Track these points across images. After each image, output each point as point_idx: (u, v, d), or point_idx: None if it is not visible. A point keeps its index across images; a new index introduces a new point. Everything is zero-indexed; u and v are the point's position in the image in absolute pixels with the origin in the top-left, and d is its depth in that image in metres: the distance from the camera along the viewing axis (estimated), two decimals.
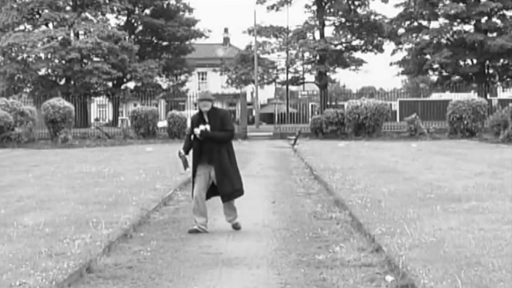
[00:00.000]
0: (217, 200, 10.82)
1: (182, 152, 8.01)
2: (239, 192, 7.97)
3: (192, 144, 7.99)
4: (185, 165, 8.05)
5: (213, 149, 7.78)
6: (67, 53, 43.88)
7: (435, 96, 54.92)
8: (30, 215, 8.59)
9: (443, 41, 48.09)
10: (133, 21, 54.03)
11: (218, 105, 60.21)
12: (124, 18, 53.58)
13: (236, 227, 8.02)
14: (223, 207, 8.06)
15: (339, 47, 54.05)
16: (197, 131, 7.77)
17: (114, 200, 9.98)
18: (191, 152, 8.10)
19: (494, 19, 47.27)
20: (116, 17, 53.25)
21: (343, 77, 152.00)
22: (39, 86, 46.77)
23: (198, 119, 7.91)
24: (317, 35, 53.59)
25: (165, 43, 55.35)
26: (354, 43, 54.59)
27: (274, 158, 20.35)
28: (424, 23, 49.59)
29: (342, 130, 31.13)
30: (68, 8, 47.20)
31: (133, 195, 10.48)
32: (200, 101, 7.90)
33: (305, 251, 6.80)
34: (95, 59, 45.77)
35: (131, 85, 52.52)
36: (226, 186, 7.82)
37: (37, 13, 47.01)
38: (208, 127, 7.80)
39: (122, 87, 51.82)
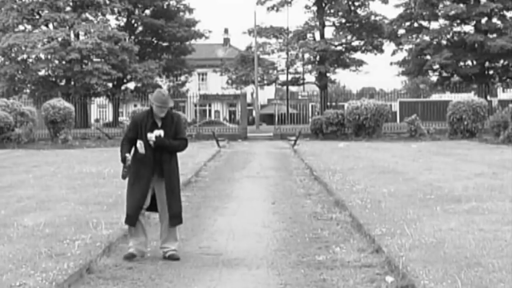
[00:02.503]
0: (217, 199, 10.85)
1: (128, 155, 6.55)
2: (181, 216, 6.76)
3: (131, 150, 6.62)
4: (127, 172, 6.60)
5: (164, 160, 6.54)
6: (67, 54, 43.89)
7: (435, 97, 54.99)
8: (30, 216, 8.59)
9: (443, 41, 48.10)
10: (133, 21, 54.06)
11: (218, 105, 60.27)
12: (124, 19, 53.61)
13: (172, 257, 6.53)
14: (162, 231, 6.71)
15: (339, 47, 54.08)
16: (151, 136, 6.45)
17: (114, 200, 9.98)
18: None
19: (494, 20, 47.27)
20: (116, 18, 53.28)
21: (343, 77, 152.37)
22: (39, 87, 46.78)
23: (148, 121, 6.57)
24: (317, 35, 53.64)
25: (165, 44, 55.38)
26: (354, 43, 54.63)
27: (274, 159, 20.35)
28: (424, 23, 49.60)
29: (342, 130, 31.13)
30: (68, 8, 47.21)
31: None
32: (157, 107, 6.48)
33: (305, 252, 6.80)
34: (95, 59, 45.79)
35: (131, 85, 52.54)
36: (176, 207, 6.63)
37: (37, 13, 47.03)
38: (162, 132, 6.54)
39: (122, 87, 51.84)
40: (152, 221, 8.75)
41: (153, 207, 6.68)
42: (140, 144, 6.51)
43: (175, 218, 6.62)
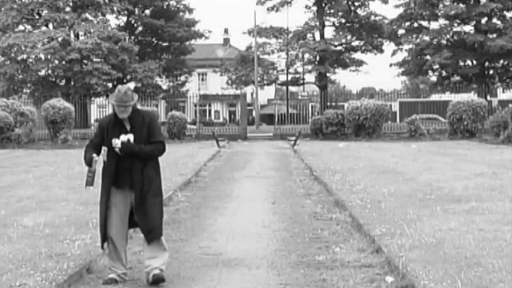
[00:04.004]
0: (217, 199, 10.85)
1: (95, 156, 5.60)
2: (160, 229, 5.70)
3: (106, 161, 5.66)
4: (92, 179, 5.63)
5: (136, 169, 5.55)
6: (67, 54, 43.87)
7: (435, 97, 54.97)
8: (30, 216, 8.58)
9: (443, 42, 48.08)
10: (133, 21, 54.04)
11: (218, 106, 60.17)
12: (124, 19, 53.58)
13: (156, 281, 5.58)
14: (144, 247, 5.79)
15: (339, 48, 54.06)
16: (116, 143, 5.50)
17: None
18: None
19: (494, 20, 47.25)
20: (116, 18, 53.27)
21: (343, 77, 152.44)
22: (39, 87, 46.77)
23: (115, 125, 5.63)
24: (317, 35, 53.62)
25: (165, 44, 55.35)
26: (354, 43, 54.62)
27: (274, 159, 20.36)
28: (424, 23, 49.58)
29: (342, 130, 31.15)
30: (68, 9, 47.18)
31: None
32: (116, 107, 5.57)
33: (305, 252, 6.80)
34: (95, 59, 45.77)
35: (131, 85, 52.51)
36: (149, 221, 5.61)
37: (37, 13, 47.01)
38: (131, 137, 5.57)
39: None
40: None
41: (132, 223, 5.79)
42: (104, 151, 5.61)
43: (150, 233, 5.63)
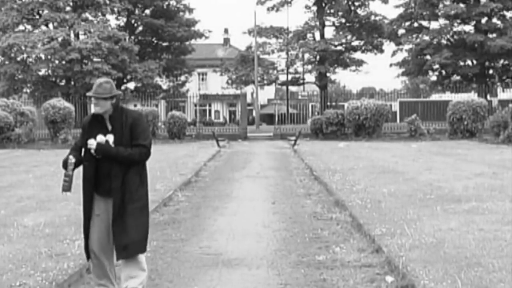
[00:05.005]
0: (217, 199, 10.84)
1: (72, 158, 5.02)
2: (138, 246, 4.94)
3: (83, 164, 5.07)
4: (69, 184, 5.08)
5: (115, 175, 4.89)
6: (67, 54, 43.87)
7: (435, 97, 54.99)
8: (30, 216, 8.59)
9: (443, 41, 48.10)
10: (133, 21, 54.06)
11: (218, 106, 60.19)
12: (124, 19, 53.59)
13: None
14: (122, 263, 5.06)
15: (339, 47, 54.09)
16: (92, 143, 4.90)
17: None
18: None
19: (494, 20, 47.27)
20: (116, 18, 53.28)
21: (343, 77, 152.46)
22: (39, 87, 46.78)
23: (94, 125, 5.04)
24: (317, 35, 53.65)
25: (165, 44, 55.37)
26: (354, 43, 54.65)
27: (274, 159, 20.36)
28: (424, 23, 49.61)
29: (342, 130, 31.15)
30: (68, 8, 47.19)
31: None
32: (92, 99, 5.01)
33: (305, 252, 6.80)
34: (95, 59, 45.77)
35: (131, 85, 52.55)
36: (126, 235, 4.87)
37: (37, 13, 47.02)
38: (111, 138, 4.96)
39: (122, 87, 51.79)
40: (152, 221, 8.76)
41: None
42: (83, 153, 5.07)
43: (124, 250, 4.88)
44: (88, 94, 5.03)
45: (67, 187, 5.07)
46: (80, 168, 5.07)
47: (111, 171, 4.91)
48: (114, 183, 4.89)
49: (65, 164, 5.04)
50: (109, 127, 5.01)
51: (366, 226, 7.57)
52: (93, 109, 4.90)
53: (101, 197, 4.99)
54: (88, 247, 5.02)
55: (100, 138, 4.94)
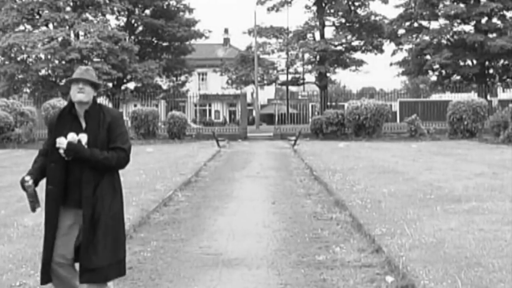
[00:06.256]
0: (217, 199, 10.84)
1: (28, 179, 4.27)
2: (108, 271, 4.24)
3: (48, 167, 4.32)
4: (35, 202, 4.35)
5: (86, 182, 4.20)
6: (67, 54, 43.88)
7: (435, 97, 54.99)
8: (30, 216, 8.55)
9: (443, 41, 48.10)
10: (133, 21, 54.04)
11: (218, 106, 60.30)
12: (124, 19, 53.58)
13: None
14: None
15: (339, 47, 54.09)
16: (61, 142, 4.20)
17: None
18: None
19: (494, 20, 47.26)
20: (116, 18, 53.26)
21: (343, 77, 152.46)
22: (39, 87, 46.78)
23: (65, 121, 4.34)
24: (317, 35, 53.66)
25: (165, 44, 55.37)
26: (354, 43, 54.65)
27: (274, 159, 20.36)
28: (424, 23, 49.61)
29: (342, 130, 31.16)
30: (68, 8, 47.19)
31: (133, 196, 10.48)
32: (74, 85, 4.29)
33: (305, 252, 6.80)
34: (95, 59, 45.76)
35: (131, 85, 52.55)
36: (95, 257, 4.17)
37: (37, 13, 47.01)
38: (84, 138, 4.27)
39: (122, 87, 51.84)
40: (152, 221, 8.76)
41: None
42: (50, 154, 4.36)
43: (90, 273, 4.17)
44: (73, 77, 4.28)
45: (33, 207, 4.37)
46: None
47: (82, 176, 4.20)
48: (85, 191, 4.19)
49: (23, 186, 4.31)
50: (83, 125, 4.31)
51: (366, 226, 7.57)
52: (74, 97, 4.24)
53: (68, 208, 4.26)
54: (45, 269, 4.24)
55: (72, 136, 4.26)
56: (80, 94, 4.26)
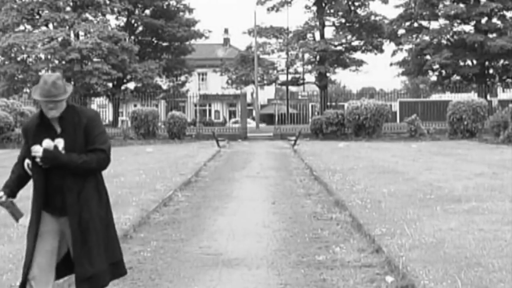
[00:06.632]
0: (217, 199, 10.84)
1: (1, 195, 4.13)
2: (105, 275, 4.13)
3: (27, 175, 4.19)
4: (14, 213, 4.21)
5: (68, 188, 4.03)
6: (67, 54, 43.91)
7: (435, 97, 55.00)
8: (30, 216, 8.57)
9: (443, 41, 48.11)
10: (133, 21, 54.09)
11: (218, 105, 60.28)
12: (124, 19, 53.63)
13: None
14: None
15: (339, 47, 54.10)
16: (36, 150, 4.01)
17: (114, 200, 9.94)
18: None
19: (494, 20, 47.28)
20: (116, 18, 53.32)
21: (343, 77, 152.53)
22: None
23: (40, 127, 4.12)
24: (317, 35, 53.67)
25: (165, 44, 55.41)
26: (354, 43, 54.67)
27: (274, 159, 20.35)
28: (424, 23, 49.63)
29: (342, 130, 31.16)
30: (68, 8, 47.24)
31: (133, 196, 10.48)
32: (42, 102, 4.08)
33: (305, 252, 6.80)
34: (95, 59, 45.82)
35: (131, 85, 52.58)
36: (90, 264, 4.03)
37: (37, 13, 47.05)
38: (60, 143, 4.07)
39: (122, 87, 51.87)
40: (152, 221, 8.76)
41: (63, 270, 4.24)
42: (27, 164, 4.15)
43: (87, 281, 4.03)
44: (37, 98, 4.06)
45: (15, 217, 4.21)
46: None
47: (64, 184, 4.02)
48: (69, 199, 4.00)
49: None
50: (58, 130, 4.09)
51: (366, 226, 7.57)
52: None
53: (51, 216, 4.09)
54: (23, 283, 4.03)
55: (47, 143, 4.05)
56: (52, 111, 4.05)
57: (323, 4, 52.99)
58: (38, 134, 4.08)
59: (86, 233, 4.03)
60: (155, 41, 55.37)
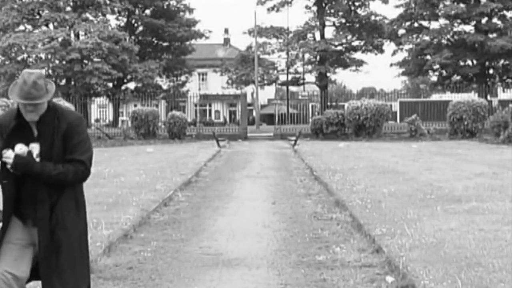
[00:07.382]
0: (217, 199, 10.84)
1: None
2: None
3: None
4: None
5: (41, 200, 3.62)
6: (68, 54, 43.92)
7: (435, 97, 55.00)
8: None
9: (444, 41, 48.11)
10: (133, 21, 54.10)
11: (218, 106, 60.44)
12: (125, 19, 53.66)
13: None
14: None
15: (339, 47, 54.11)
16: (8, 156, 3.58)
17: (115, 200, 9.98)
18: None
19: (495, 20, 47.29)
20: (117, 18, 53.34)
21: (343, 77, 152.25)
22: None
23: (16, 129, 3.67)
24: (317, 35, 53.68)
25: (165, 44, 55.43)
26: (355, 43, 54.68)
27: (274, 159, 20.35)
28: (425, 23, 49.62)
29: (342, 130, 31.16)
30: (68, 8, 47.26)
31: (133, 196, 10.48)
32: (21, 105, 3.61)
33: (305, 252, 6.80)
34: (96, 59, 45.82)
35: (131, 85, 52.59)
36: (57, 283, 3.61)
37: (37, 13, 47.07)
38: (36, 148, 3.64)
39: (123, 87, 51.88)
40: (152, 221, 8.76)
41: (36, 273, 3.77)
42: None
43: None
44: (16, 99, 3.57)
45: None
46: None
47: (37, 193, 3.60)
48: (39, 212, 3.58)
49: None
50: (35, 133, 3.64)
51: (366, 226, 7.57)
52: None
53: (24, 226, 3.70)
54: None
55: (20, 148, 3.60)
56: (31, 114, 3.60)
57: (323, 4, 53.00)
58: (13, 136, 3.63)
59: (58, 251, 3.59)
60: (155, 41, 55.38)
